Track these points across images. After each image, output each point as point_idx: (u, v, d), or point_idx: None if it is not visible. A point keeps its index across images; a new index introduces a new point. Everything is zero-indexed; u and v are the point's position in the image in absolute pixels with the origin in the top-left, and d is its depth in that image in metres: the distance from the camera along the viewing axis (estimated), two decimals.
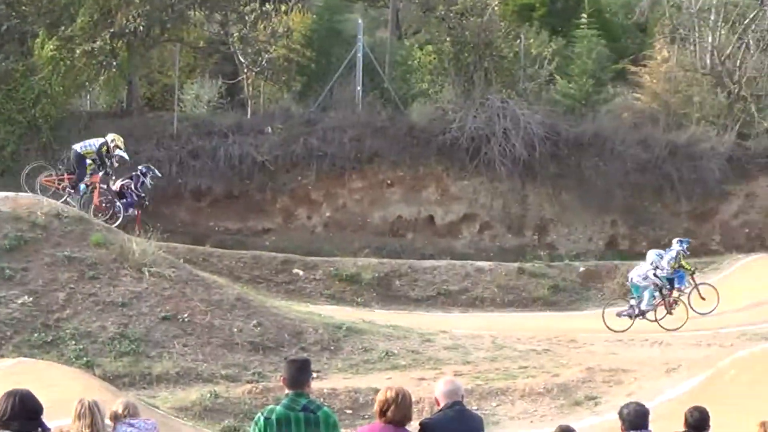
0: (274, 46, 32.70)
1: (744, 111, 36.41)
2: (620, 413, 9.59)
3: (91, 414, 9.11)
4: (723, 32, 37.24)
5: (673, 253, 25.41)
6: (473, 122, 31.71)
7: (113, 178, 25.74)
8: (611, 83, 38.58)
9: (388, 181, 32.33)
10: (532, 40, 36.79)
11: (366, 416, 16.47)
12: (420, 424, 8.71)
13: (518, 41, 36.38)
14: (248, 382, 18.58)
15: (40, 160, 26.72)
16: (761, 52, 36.85)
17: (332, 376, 19.25)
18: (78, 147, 25.46)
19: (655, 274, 25.03)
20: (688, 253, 26.41)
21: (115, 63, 31.65)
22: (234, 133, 31.37)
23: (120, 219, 24.77)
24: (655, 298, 25.00)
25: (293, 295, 27.01)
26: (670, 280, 25.33)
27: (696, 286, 26.00)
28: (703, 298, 25.83)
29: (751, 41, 36.89)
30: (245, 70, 32.85)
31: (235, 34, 32.43)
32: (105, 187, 25.29)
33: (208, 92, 33.30)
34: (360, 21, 35.52)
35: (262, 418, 8.82)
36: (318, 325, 21.18)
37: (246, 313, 20.52)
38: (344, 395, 18.09)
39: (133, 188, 25.72)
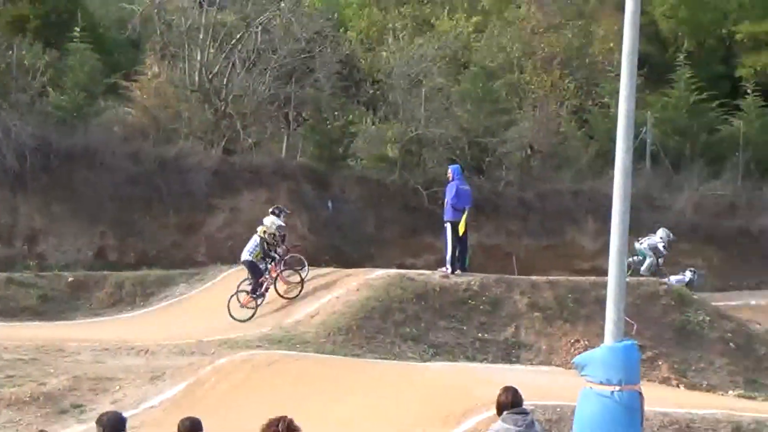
0: None
1: (230, 127, 37.92)
2: (98, 421, 10.38)
3: None
4: (211, 51, 38.53)
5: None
6: None
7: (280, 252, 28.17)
8: (103, 97, 38.98)
9: None
10: (24, 52, 36.42)
11: None
12: None
13: (10, 52, 35.88)
14: None
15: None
16: (247, 71, 38.35)
17: None
18: (247, 255, 28.07)
19: (664, 246, 32.66)
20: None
21: None
22: None
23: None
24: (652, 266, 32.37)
25: None
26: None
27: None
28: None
29: (237, 60, 38.27)
30: None
31: None
32: (281, 269, 27.99)
33: None
34: None
35: None
36: None
37: None
38: None
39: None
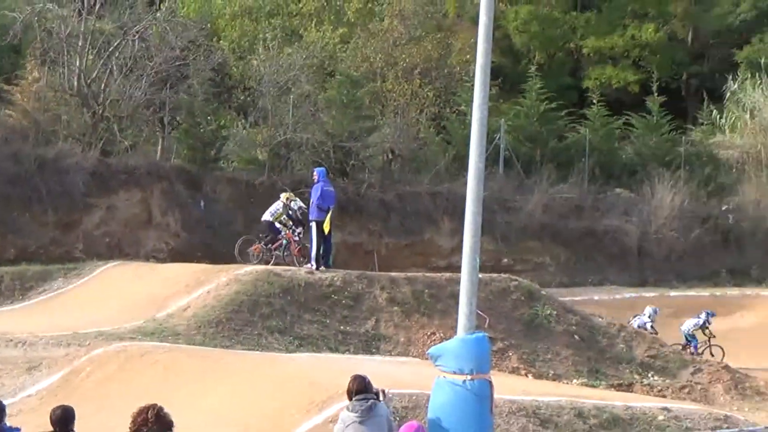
0: None
1: (107, 130, 38.16)
2: None
3: None
4: (90, 57, 38.38)
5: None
6: None
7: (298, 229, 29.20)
8: None
9: None
10: None
11: None
12: None
13: None
14: None
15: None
16: (124, 77, 38.29)
17: None
18: (268, 216, 29.50)
19: (651, 326, 31.30)
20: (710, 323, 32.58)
21: None
22: None
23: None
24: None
25: None
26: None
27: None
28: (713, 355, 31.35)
29: (115, 67, 38.39)
30: None
31: None
32: (297, 238, 29.22)
33: None
34: None
35: None
36: None
37: None
38: None
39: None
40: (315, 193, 27.21)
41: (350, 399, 11.76)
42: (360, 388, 11.73)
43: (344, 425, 11.52)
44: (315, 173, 27.99)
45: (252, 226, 35.60)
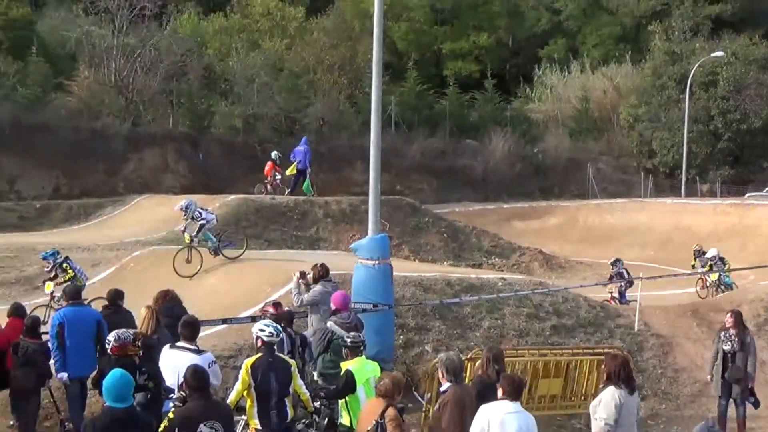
0: None
1: (135, 109, 37.66)
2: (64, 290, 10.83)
3: None
4: (121, 61, 37.34)
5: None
6: None
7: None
8: (53, 91, 37.44)
9: None
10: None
11: None
12: None
13: None
14: None
15: None
16: (144, 73, 37.61)
17: None
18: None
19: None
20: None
21: None
22: None
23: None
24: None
25: None
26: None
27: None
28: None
29: (138, 67, 37.44)
30: None
31: None
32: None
33: None
34: None
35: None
36: None
37: None
38: None
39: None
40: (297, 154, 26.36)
41: (316, 281, 11.63)
42: (324, 272, 11.77)
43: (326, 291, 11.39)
44: (302, 143, 26.83)
45: (234, 171, 35.85)
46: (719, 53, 40.85)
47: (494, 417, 7.20)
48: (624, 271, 20.21)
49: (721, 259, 20.96)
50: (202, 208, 18.10)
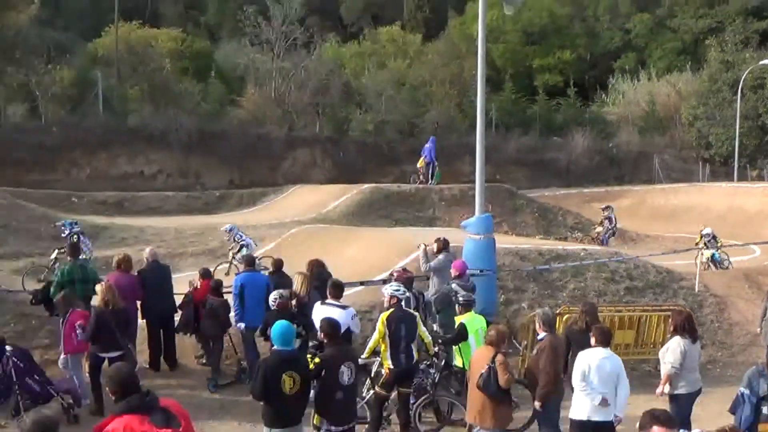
0: None
1: (290, 119, 36.58)
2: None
3: None
4: (279, 80, 37.19)
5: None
6: None
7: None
8: (229, 105, 38.18)
9: None
10: (183, 84, 36.08)
11: None
12: None
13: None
14: None
15: None
16: (297, 90, 37.08)
17: None
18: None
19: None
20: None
21: None
22: None
23: None
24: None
25: None
26: None
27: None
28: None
29: (292, 84, 37.10)
30: None
31: None
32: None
33: None
34: None
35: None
36: None
37: None
38: None
39: None
40: (427, 150, 26.60)
41: (439, 251, 11.26)
42: (445, 245, 11.54)
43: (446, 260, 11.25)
44: (429, 141, 27.00)
45: (368, 164, 35.16)
46: (766, 61, 39.13)
47: (592, 361, 7.32)
48: (612, 216, 19.06)
49: (714, 237, 19.32)
50: (242, 233, 17.55)
